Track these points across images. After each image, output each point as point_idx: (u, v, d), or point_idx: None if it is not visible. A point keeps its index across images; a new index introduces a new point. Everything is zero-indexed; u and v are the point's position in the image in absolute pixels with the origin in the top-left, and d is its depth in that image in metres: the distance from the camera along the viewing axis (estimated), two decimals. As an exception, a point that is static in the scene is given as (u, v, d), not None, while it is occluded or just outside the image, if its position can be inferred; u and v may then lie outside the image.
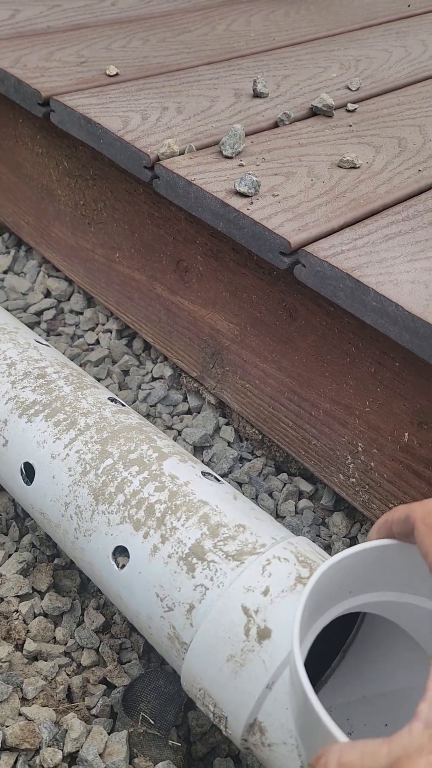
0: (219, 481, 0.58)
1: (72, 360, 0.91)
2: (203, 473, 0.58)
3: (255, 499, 0.80)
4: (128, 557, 0.53)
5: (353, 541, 0.77)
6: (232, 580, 0.48)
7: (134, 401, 0.90)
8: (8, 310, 1.00)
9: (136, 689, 0.57)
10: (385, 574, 0.45)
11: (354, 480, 0.72)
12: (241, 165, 0.71)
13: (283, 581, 0.47)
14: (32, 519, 0.75)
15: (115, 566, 0.54)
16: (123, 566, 0.53)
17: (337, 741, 0.33)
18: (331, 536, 0.78)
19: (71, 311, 1.03)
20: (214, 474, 0.59)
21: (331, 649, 0.56)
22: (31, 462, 0.60)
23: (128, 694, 0.57)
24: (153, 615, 0.51)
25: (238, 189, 0.65)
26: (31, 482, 0.60)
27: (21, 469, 0.61)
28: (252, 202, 0.64)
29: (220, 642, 0.46)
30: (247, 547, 0.50)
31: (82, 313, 1.02)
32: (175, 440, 0.85)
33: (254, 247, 0.63)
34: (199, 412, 0.89)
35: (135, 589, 0.52)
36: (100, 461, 0.57)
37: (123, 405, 0.66)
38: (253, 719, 0.44)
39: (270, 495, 0.81)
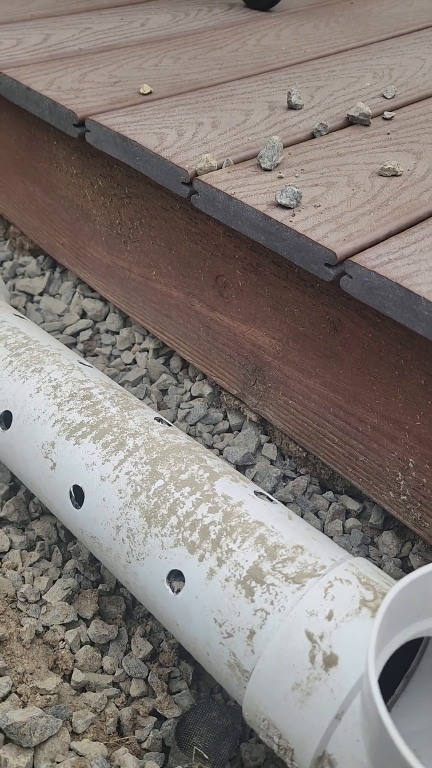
0: (272, 500, 0.56)
1: (110, 380, 0.90)
2: (256, 493, 0.56)
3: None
4: (183, 581, 0.51)
5: (404, 561, 0.75)
6: (294, 603, 0.46)
7: (174, 420, 0.89)
8: (45, 332, 1.00)
9: (188, 722, 0.55)
10: None
11: (405, 497, 0.69)
12: (281, 177, 0.69)
13: (347, 605, 0.45)
14: (75, 543, 0.74)
15: (170, 591, 0.52)
16: (178, 591, 0.51)
17: None
18: (381, 556, 0.75)
19: (107, 331, 1.02)
20: (267, 494, 0.57)
21: (394, 676, 0.53)
22: (80, 485, 0.59)
23: (180, 728, 0.55)
24: (211, 641, 0.49)
25: (279, 201, 0.63)
26: (81, 505, 0.59)
27: (70, 492, 0.60)
28: (294, 214, 0.63)
29: (284, 669, 0.44)
30: (306, 569, 0.48)
31: (118, 333, 1.01)
32: (217, 459, 0.84)
33: (298, 260, 0.62)
34: (240, 430, 0.87)
35: (192, 615, 0.50)
36: (151, 482, 0.56)
37: (169, 425, 0.65)
38: (321, 752, 0.42)
39: (316, 514, 0.79)
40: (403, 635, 0.44)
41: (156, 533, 0.54)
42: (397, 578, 0.60)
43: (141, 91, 0.86)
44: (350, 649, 0.43)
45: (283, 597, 0.47)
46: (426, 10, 1.28)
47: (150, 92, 0.87)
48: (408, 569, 0.73)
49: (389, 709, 0.53)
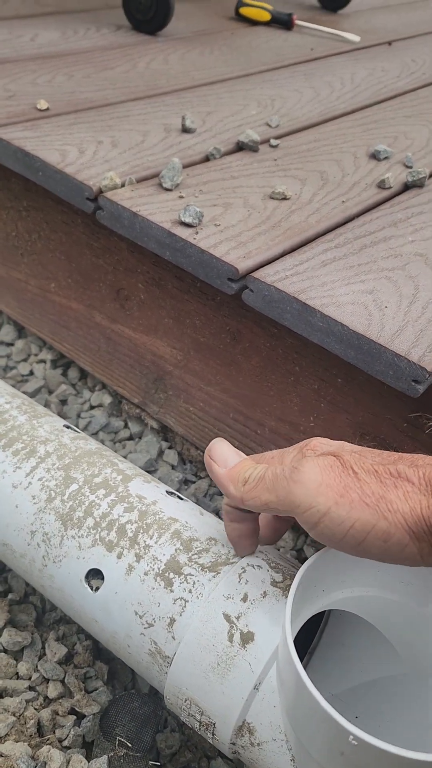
0: (182, 499, 0.60)
1: (9, 391, 0.90)
2: (168, 492, 0.59)
3: (203, 518, 0.82)
4: (102, 579, 0.53)
5: (299, 553, 0.81)
6: (211, 590, 0.50)
7: (75, 430, 0.90)
8: None
9: (110, 714, 0.57)
10: (354, 570, 0.49)
11: (300, 493, 0.76)
12: (181, 197, 0.74)
13: (260, 587, 0.49)
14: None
15: (89, 589, 0.54)
16: (97, 588, 0.54)
17: (332, 719, 0.36)
18: (278, 549, 0.81)
19: (1, 343, 1.02)
20: (177, 493, 0.60)
21: (298, 653, 0.58)
22: None
23: (104, 720, 0.57)
24: (132, 633, 0.52)
25: (183, 219, 0.68)
26: (-8, 514, 0.60)
27: None
28: (197, 232, 0.68)
29: (205, 650, 0.47)
30: (220, 558, 0.52)
31: (13, 344, 1.01)
32: (120, 466, 0.86)
33: (202, 275, 0.66)
34: (140, 438, 0.90)
35: (111, 610, 0.53)
36: (65, 487, 0.58)
37: (78, 431, 0.67)
38: (241, 721, 0.46)
39: (217, 514, 0.83)
40: (310, 609, 0.49)
41: (73, 535, 0.56)
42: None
43: (38, 106, 0.88)
44: (265, 625, 0.47)
45: (201, 585, 0.51)
46: (299, 46, 1.38)
47: (47, 108, 0.88)
48: (302, 560, 0.79)
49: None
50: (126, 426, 0.91)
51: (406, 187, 0.87)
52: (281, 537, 0.53)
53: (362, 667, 0.57)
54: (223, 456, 0.48)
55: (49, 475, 0.60)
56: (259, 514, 0.50)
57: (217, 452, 0.48)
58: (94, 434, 0.90)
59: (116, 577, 0.53)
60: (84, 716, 0.60)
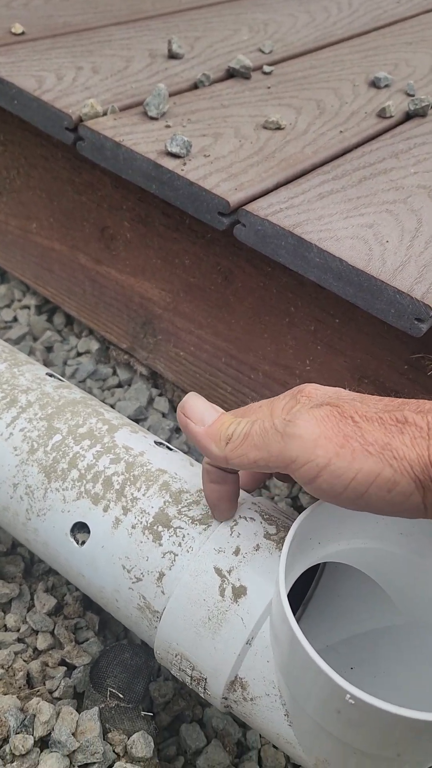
0: (171, 449, 0.57)
1: (-8, 338, 0.87)
2: (156, 443, 0.56)
3: (196, 467, 0.80)
4: (88, 533, 0.51)
5: (294, 501, 0.79)
6: (201, 543, 0.47)
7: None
8: None
9: (101, 665, 0.56)
10: (351, 522, 0.46)
11: (295, 440, 0.73)
12: (168, 126, 0.69)
13: (253, 539, 0.47)
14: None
15: (75, 543, 0.52)
16: (83, 542, 0.51)
17: (329, 678, 0.34)
18: (273, 498, 0.79)
19: (-16, 288, 0.97)
20: (166, 443, 0.58)
21: (293, 604, 0.57)
22: None
23: (95, 671, 0.56)
24: (120, 588, 0.50)
25: (169, 149, 0.63)
26: (-28, 466, 0.57)
27: None
28: (185, 163, 0.63)
29: (196, 605, 0.45)
30: (212, 510, 0.49)
31: (-5, 290, 0.97)
32: (109, 414, 0.83)
33: (191, 209, 0.62)
34: (130, 385, 0.87)
35: (98, 564, 0.50)
36: (48, 438, 0.55)
37: (62, 380, 0.63)
38: (234, 676, 0.44)
39: (210, 462, 0.81)
40: (305, 562, 0.47)
41: (57, 488, 0.54)
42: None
43: (13, 30, 0.82)
44: (257, 579, 0.45)
45: (191, 538, 0.48)
46: (295, -32, 1.29)
47: (23, 32, 0.82)
48: (298, 507, 0.77)
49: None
50: (114, 373, 0.88)
51: (408, 117, 0.81)
52: (261, 485, 0.50)
53: (358, 618, 0.56)
54: (199, 412, 0.43)
55: (31, 425, 0.57)
56: (238, 475, 0.47)
57: (192, 409, 0.43)
58: (82, 382, 0.87)
59: (103, 530, 0.51)
60: (75, 667, 0.59)
